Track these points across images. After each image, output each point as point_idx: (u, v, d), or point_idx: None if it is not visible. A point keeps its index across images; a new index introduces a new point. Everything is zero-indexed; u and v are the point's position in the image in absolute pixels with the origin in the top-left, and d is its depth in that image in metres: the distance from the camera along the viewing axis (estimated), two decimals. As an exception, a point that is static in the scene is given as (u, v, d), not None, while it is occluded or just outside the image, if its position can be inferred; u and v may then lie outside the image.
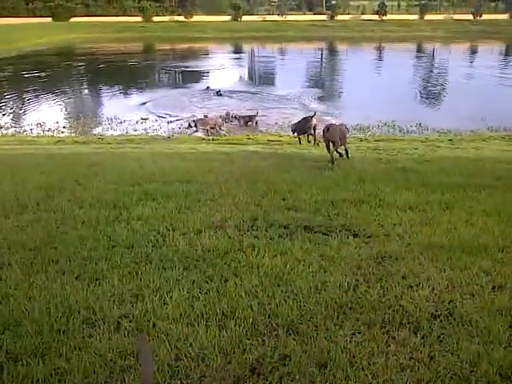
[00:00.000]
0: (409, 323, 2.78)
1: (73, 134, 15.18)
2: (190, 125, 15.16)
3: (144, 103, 20.19)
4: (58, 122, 16.67)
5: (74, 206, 5.03)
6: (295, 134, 12.97)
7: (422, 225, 4.38)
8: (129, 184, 5.93)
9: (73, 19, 67.79)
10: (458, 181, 6.12)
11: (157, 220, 4.52)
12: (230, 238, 4.05)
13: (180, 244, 3.91)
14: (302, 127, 12.76)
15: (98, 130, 15.80)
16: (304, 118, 13.08)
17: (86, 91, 25.46)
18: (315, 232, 4.21)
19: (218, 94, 22.63)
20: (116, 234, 4.19)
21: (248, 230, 4.26)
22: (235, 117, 16.27)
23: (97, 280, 3.33)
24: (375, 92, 22.62)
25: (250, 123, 16.14)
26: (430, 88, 26.54)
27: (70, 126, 16.32)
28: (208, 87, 21.19)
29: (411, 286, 3.20)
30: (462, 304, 2.97)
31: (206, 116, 15.61)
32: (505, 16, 69.73)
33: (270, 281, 3.28)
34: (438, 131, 14.91)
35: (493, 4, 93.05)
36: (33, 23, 60.87)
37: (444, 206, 4.97)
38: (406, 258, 3.63)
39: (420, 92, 24.55)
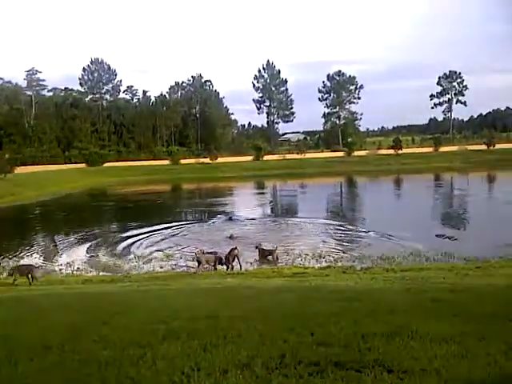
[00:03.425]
0: None
1: (100, 273, 15.37)
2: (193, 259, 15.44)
3: (165, 238, 20.88)
4: (86, 262, 17.00)
5: (99, 347, 4.94)
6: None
7: (458, 358, 4.15)
8: (154, 322, 5.86)
9: (106, 164, 71.99)
10: (491, 310, 5.89)
11: (181, 359, 4.38)
12: (257, 377, 3.88)
13: (205, 385, 3.75)
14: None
15: (125, 268, 16.01)
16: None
17: (114, 229, 26.12)
18: (347, 369, 4.00)
19: (230, 219, 24.01)
20: (140, 375, 4.06)
21: (276, 368, 4.07)
22: (256, 247, 16.48)
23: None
24: (397, 220, 22.80)
25: (269, 257, 16.20)
26: (452, 218, 26.63)
27: (98, 266, 16.58)
28: (231, 235, 21.60)
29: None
30: None
31: (202, 252, 15.77)
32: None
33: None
34: (464, 258, 14.70)
35: (504, 134, 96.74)
36: (69, 169, 64.78)
37: (480, 337, 4.73)
38: (445, 395, 3.40)
39: (444, 220, 24.65)
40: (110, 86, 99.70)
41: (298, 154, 77.02)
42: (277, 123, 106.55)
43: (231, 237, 21.57)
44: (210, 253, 15.88)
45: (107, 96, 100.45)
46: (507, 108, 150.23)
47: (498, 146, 71.02)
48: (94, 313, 6.82)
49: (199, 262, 15.06)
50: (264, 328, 5.28)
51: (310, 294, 7.99)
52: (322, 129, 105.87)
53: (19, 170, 57.14)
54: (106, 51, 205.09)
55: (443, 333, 4.89)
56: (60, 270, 16.13)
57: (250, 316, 5.91)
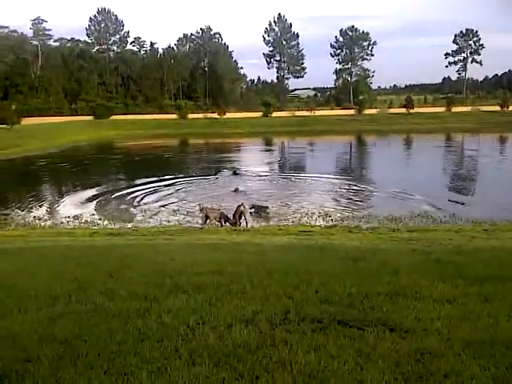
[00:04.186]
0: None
1: (108, 226, 15.51)
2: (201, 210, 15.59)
3: (172, 193, 21.08)
4: (93, 214, 17.15)
5: (106, 299, 5.02)
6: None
7: (461, 319, 4.19)
8: (160, 276, 5.93)
9: (113, 117, 71.66)
10: (497, 272, 5.91)
11: (187, 313, 4.45)
12: (261, 332, 3.94)
13: (210, 338, 3.82)
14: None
15: (132, 222, 16.14)
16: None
17: (121, 182, 26.21)
18: (350, 326, 4.05)
19: (235, 173, 24.32)
20: (146, 327, 4.13)
21: (280, 324, 4.14)
22: (252, 206, 16.64)
23: (125, 375, 3.24)
24: (404, 180, 22.74)
25: (262, 213, 16.50)
26: (461, 178, 26.50)
27: (105, 218, 16.72)
28: (237, 189, 21.79)
29: (454, 386, 3.01)
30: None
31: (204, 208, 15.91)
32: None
33: (304, 379, 3.13)
34: (472, 221, 14.68)
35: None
36: (75, 121, 64.57)
37: (483, 299, 4.76)
38: (446, 355, 3.43)
39: (452, 182, 24.56)
40: (117, 37, 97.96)
41: (307, 110, 76.12)
42: (287, 78, 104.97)
43: (236, 190, 21.71)
44: (213, 209, 15.98)
45: (114, 47, 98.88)
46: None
47: (511, 108, 69.82)
48: (100, 265, 6.91)
49: (207, 217, 15.15)
50: (269, 284, 5.34)
51: (315, 252, 8.04)
52: (333, 86, 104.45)
53: (25, 121, 56.97)
54: (113, 1, 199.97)
55: (446, 294, 4.93)
56: (68, 221, 16.29)
57: (254, 272, 5.97)
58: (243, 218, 15.28)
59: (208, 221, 15.14)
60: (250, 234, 12.75)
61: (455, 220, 15.08)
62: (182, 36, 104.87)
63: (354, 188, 22.21)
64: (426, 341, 3.70)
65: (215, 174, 27.48)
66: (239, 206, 15.39)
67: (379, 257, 7.37)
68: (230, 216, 15.35)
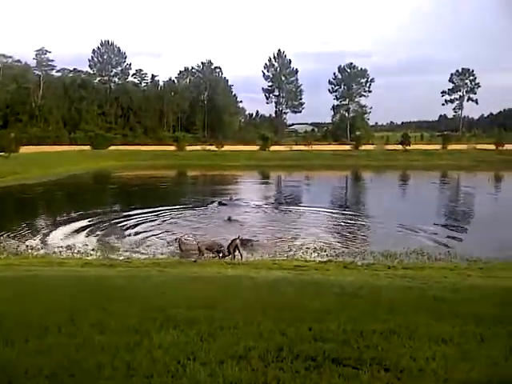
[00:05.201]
0: None
1: (101, 257, 15.37)
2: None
3: (166, 224, 21.22)
4: (86, 245, 17.01)
5: (96, 331, 4.93)
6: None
7: (457, 359, 4.11)
8: (152, 309, 5.84)
9: (111, 148, 71.99)
10: (493, 312, 5.84)
11: (178, 348, 4.36)
12: (253, 369, 3.85)
13: (201, 375, 3.73)
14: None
15: (125, 253, 16.01)
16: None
17: (116, 212, 26.01)
18: (344, 365, 3.97)
19: (221, 203, 26.28)
20: (135, 362, 4.04)
21: (273, 361, 4.05)
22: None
23: (112, 413, 3.15)
24: (400, 216, 22.74)
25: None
26: (457, 215, 26.57)
27: (98, 249, 16.59)
28: (230, 217, 21.94)
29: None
30: None
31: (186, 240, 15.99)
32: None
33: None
34: (467, 259, 14.62)
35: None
36: (73, 150, 64.77)
37: (479, 339, 4.69)
38: (442, 397, 3.36)
39: (447, 219, 24.59)
40: (119, 68, 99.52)
41: (305, 145, 76.60)
42: (285, 113, 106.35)
43: (229, 219, 21.73)
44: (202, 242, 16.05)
45: (116, 79, 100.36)
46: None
47: (507, 147, 70.42)
48: (92, 297, 6.81)
49: (200, 251, 15.07)
50: (262, 320, 5.26)
51: (309, 287, 7.97)
52: (330, 121, 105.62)
53: (24, 149, 57.11)
54: (117, 34, 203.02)
55: (443, 333, 4.86)
56: (60, 251, 16.12)
57: (248, 307, 5.89)
58: (238, 251, 15.16)
59: (203, 254, 15.04)
60: (244, 268, 12.63)
61: (450, 258, 15.01)
62: (182, 69, 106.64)
63: (350, 222, 22.17)
64: (422, 381, 3.63)
65: (210, 204, 27.51)
66: (235, 239, 15.29)
67: (374, 294, 7.29)
68: (225, 247, 15.25)
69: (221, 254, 15.16)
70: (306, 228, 20.39)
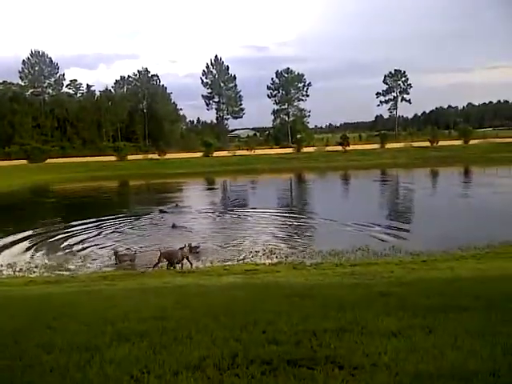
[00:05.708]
0: None
1: (45, 274, 14.82)
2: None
3: (110, 235, 20.78)
4: (29, 262, 16.37)
5: (43, 352, 4.73)
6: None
7: (407, 352, 4.22)
8: (101, 324, 5.68)
9: (48, 160, 69.63)
10: (438, 303, 6.05)
11: (131, 362, 4.25)
12: (208, 378, 3.81)
13: (155, 388, 3.65)
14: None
15: (70, 268, 15.53)
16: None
17: (57, 227, 25.05)
18: (299, 366, 4.00)
19: (162, 211, 26.38)
20: (86, 380, 3.91)
21: (228, 369, 4.02)
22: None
23: None
24: (345, 214, 23.23)
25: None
26: (399, 210, 27.43)
27: (42, 265, 16.00)
28: (174, 224, 21.89)
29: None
30: None
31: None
32: (459, 142, 74.63)
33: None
34: (410, 253, 15.12)
35: (446, 131, 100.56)
36: (8, 165, 62.22)
37: (427, 330, 4.85)
38: (395, 390, 3.44)
39: (390, 215, 25.31)
40: (52, 79, 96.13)
41: (247, 150, 77.02)
42: (226, 119, 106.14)
43: (174, 226, 21.58)
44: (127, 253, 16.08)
45: (49, 90, 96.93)
46: (449, 106, 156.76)
47: (440, 143, 73.53)
48: (38, 316, 6.55)
49: (159, 262, 14.89)
50: (215, 327, 5.22)
51: (260, 291, 7.99)
52: (271, 125, 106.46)
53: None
54: (48, 44, 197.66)
55: (392, 327, 4.98)
56: (1, 270, 15.44)
57: (200, 316, 5.83)
58: (187, 260, 15.02)
59: (158, 263, 14.86)
60: (195, 276, 12.52)
61: (395, 252, 15.48)
62: (119, 78, 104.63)
63: (297, 223, 22.48)
64: (375, 377, 3.69)
65: (155, 213, 27.20)
66: (183, 248, 15.14)
67: (324, 292, 7.40)
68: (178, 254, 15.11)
69: (168, 263, 14.99)
70: (255, 231, 20.52)
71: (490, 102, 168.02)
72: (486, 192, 31.55)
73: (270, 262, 14.96)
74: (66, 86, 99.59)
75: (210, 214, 26.82)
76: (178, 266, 14.84)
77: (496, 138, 76.85)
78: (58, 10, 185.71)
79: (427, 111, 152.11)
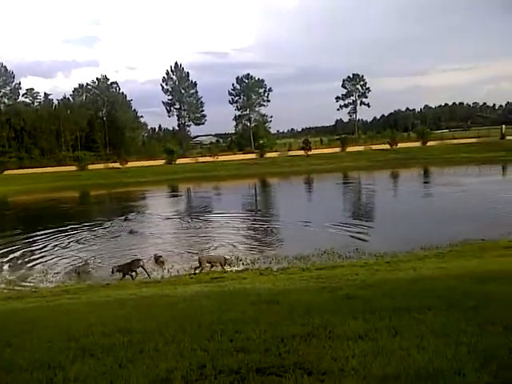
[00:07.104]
0: None
1: (5, 290, 14.36)
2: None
3: (71, 247, 20.41)
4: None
5: (2, 372, 4.56)
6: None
7: (374, 355, 4.26)
8: (65, 339, 5.52)
9: (6, 172, 67.75)
10: (403, 303, 6.13)
11: (95, 379, 4.14)
12: (177, 391, 3.75)
13: (122, 404, 3.56)
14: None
15: (32, 282, 15.10)
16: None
17: (15, 240, 24.21)
18: (268, 374, 3.97)
19: (126, 219, 26.47)
20: (50, 400, 3.78)
21: (196, 380, 3.96)
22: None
23: None
24: (310, 218, 23.44)
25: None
26: (361, 212, 27.85)
27: (2, 281, 15.51)
28: (131, 230, 21.78)
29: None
30: None
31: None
32: (417, 144, 76.46)
33: None
34: (374, 255, 15.33)
35: (405, 134, 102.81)
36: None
37: (393, 332, 4.89)
38: (363, 394, 3.45)
39: (354, 216, 25.64)
40: (8, 88, 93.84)
41: (210, 156, 76.89)
42: (188, 126, 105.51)
43: (131, 232, 21.36)
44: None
45: (5, 99, 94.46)
46: (407, 109, 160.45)
47: (399, 145, 75.15)
48: (-4, 334, 6.31)
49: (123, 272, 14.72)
50: (182, 338, 5.14)
51: (227, 298, 7.92)
52: (233, 131, 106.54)
53: None
54: (2, 53, 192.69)
55: (358, 330, 5.01)
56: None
57: (166, 327, 5.73)
58: (134, 272, 14.87)
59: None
60: (160, 286, 12.35)
61: (359, 255, 15.68)
62: (77, 86, 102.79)
63: (262, 228, 22.54)
64: (344, 381, 3.70)
65: (119, 221, 26.87)
66: (139, 260, 15.10)
67: (291, 298, 7.40)
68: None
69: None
70: (220, 237, 20.45)
71: (446, 104, 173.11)
72: (445, 192, 32.41)
73: (236, 268, 14.94)
74: (23, 95, 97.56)
75: (174, 221, 26.67)
76: (126, 277, 14.67)
77: (453, 139, 79.04)
78: (11, 17, 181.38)
79: (386, 114, 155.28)
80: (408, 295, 6.81)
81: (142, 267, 14.88)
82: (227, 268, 14.94)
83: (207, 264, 14.88)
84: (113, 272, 14.65)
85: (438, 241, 16.46)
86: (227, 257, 15.71)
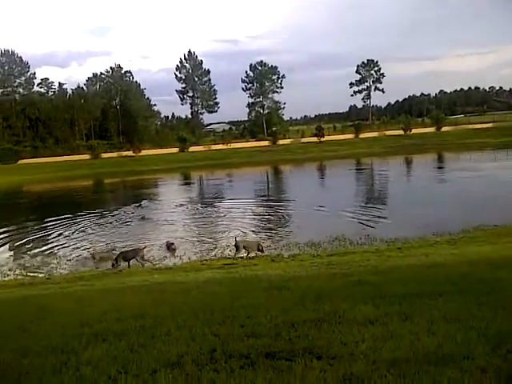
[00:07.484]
0: None
1: (19, 276, 14.56)
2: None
3: (85, 235, 20.64)
4: (2, 265, 16.07)
5: (18, 356, 4.64)
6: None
7: (384, 339, 4.26)
8: (78, 325, 5.60)
9: (20, 161, 68.39)
10: (414, 289, 6.12)
11: (108, 363, 4.20)
12: (187, 374, 3.79)
13: (133, 388, 3.62)
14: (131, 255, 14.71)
15: (45, 269, 15.29)
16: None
17: (29, 228, 24.54)
18: (277, 359, 4.00)
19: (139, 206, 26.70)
20: (63, 383, 3.85)
21: (207, 364, 4.00)
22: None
23: None
24: (323, 204, 23.40)
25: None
26: (374, 198, 27.71)
27: (16, 268, 15.73)
28: (143, 216, 21.92)
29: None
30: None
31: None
32: (432, 129, 75.69)
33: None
34: (386, 241, 15.26)
35: (419, 119, 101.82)
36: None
37: (404, 317, 4.90)
38: (372, 378, 3.46)
39: (366, 202, 25.52)
40: (23, 79, 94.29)
41: (223, 144, 76.87)
42: (201, 114, 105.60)
43: (143, 218, 21.52)
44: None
45: (20, 89, 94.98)
46: (422, 94, 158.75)
47: (414, 131, 74.46)
48: (11, 320, 6.44)
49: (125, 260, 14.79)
50: (193, 324, 5.19)
51: (238, 285, 7.98)
52: (246, 118, 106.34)
53: None
54: (18, 43, 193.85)
55: (369, 315, 5.02)
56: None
57: (178, 312, 5.80)
58: (141, 259, 14.89)
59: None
60: (171, 273, 12.46)
61: (371, 241, 15.62)
62: (91, 75, 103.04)
63: (274, 214, 22.53)
64: (353, 365, 3.71)
65: (125, 210, 27.07)
66: (141, 249, 15.15)
67: (302, 284, 7.42)
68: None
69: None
70: (232, 224, 20.50)
71: (462, 89, 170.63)
72: (460, 177, 32.08)
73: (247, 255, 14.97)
74: (38, 85, 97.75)
75: (187, 208, 26.80)
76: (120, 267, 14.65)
77: (468, 125, 78.09)
78: (27, 7, 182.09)
79: (400, 100, 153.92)
80: (419, 281, 6.79)
81: (138, 259, 14.74)
82: (261, 254, 14.71)
83: (243, 249, 14.85)
84: (117, 262, 14.68)
85: (451, 227, 16.32)
86: (261, 242, 15.51)
